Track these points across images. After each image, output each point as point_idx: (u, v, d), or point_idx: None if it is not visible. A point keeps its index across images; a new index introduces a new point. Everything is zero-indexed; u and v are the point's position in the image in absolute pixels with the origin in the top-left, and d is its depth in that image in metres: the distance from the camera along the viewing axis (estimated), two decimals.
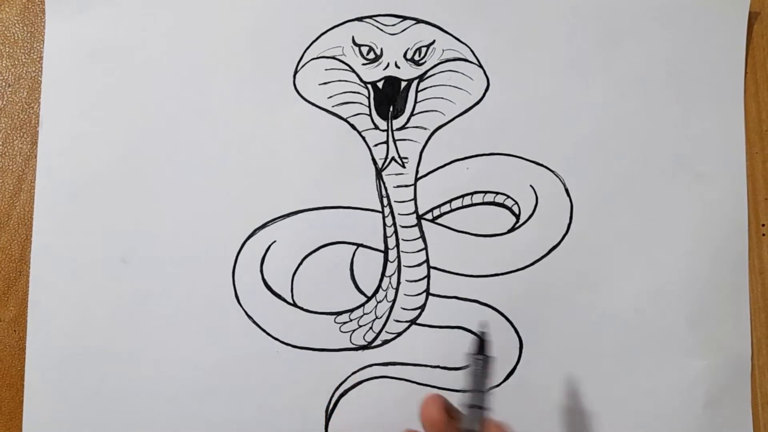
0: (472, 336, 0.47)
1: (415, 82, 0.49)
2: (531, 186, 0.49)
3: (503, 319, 0.48)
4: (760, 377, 0.48)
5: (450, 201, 0.49)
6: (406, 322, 0.49)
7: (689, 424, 0.47)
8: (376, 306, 0.49)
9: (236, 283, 0.49)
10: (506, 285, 0.49)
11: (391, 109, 0.49)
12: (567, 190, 0.49)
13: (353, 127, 0.50)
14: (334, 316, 0.49)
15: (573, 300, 0.48)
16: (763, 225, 0.49)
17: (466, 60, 0.50)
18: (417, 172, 0.49)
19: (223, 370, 0.49)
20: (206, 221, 0.50)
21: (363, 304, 0.49)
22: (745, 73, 0.50)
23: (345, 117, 0.50)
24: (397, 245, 0.49)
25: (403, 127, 0.49)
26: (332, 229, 0.49)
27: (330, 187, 0.49)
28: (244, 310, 0.49)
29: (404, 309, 0.49)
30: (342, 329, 0.49)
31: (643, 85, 0.49)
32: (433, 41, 0.50)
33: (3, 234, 0.51)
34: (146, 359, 0.49)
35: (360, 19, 0.50)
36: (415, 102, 0.49)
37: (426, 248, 0.49)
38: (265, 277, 0.49)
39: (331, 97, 0.50)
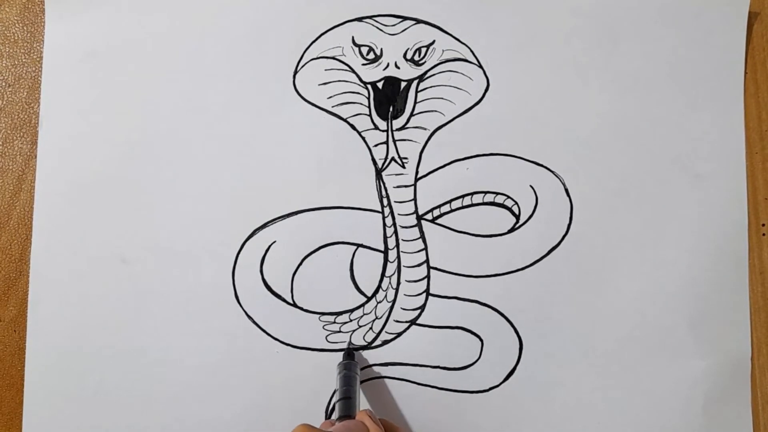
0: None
1: (415, 82, 0.49)
2: (531, 186, 0.49)
3: (503, 319, 0.48)
4: (760, 377, 0.48)
5: (450, 201, 0.49)
6: (406, 322, 0.49)
7: (689, 424, 0.47)
8: (376, 306, 0.49)
9: (236, 284, 0.49)
10: (506, 285, 0.49)
11: (390, 109, 0.49)
12: (567, 191, 0.49)
13: (353, 127, 0.50)
14: (334, 317, 0.49)
15: (573, 300, 0.48)
16: (763, 225, 0.49)
17: (465, 60, 0.50)
18: (417, 172, 0.49)
19: (222, 370, 0.49)
20: (206, 221, 0.50)
21: (363, 305, 0.49)
22: (745, 73, 0.50)
23: (345, 117, 0.50)
24: (397, 245, 0.49)
25: (402, 128, 0.49)
26: (332, 230, 0.49)
27: (330, 188, 0.49)
28: (244, 310, 0.49)
29: (404, 309, 0.49)
30: (342, 329, 0.49)
31: (643, 85, 0.49)
32: (433, 41, 0.50)
33: (3, 234, 0.51)
34: (146, 359, 0.49)
35: (360, 19, 0.50)
36: (415, 102, 0.49)
37: (426, 248, 0.49)
38: (265, 277, 0.49)
39: (330, 97, 0.50)
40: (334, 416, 0.44)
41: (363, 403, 0.49)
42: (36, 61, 0.52)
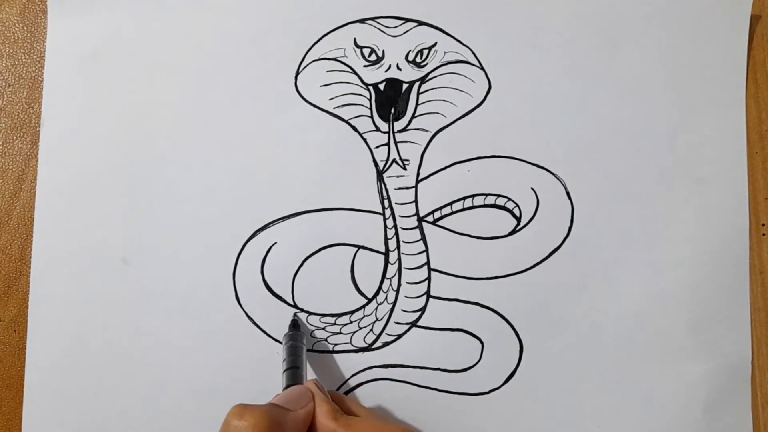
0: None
1: (417, 84, 0.49)
2: (532, 188, 0.49)
3: (504, 321, 0.48)
4: (760, 377, 0.48)
5: (451, 203, 0.49)
6: (407, 324, 0.49)
7: (689, 428, 0.48)
8: (376, 308, 0.49)
9: (237, 284, 0.49)
10: (507, 288, 0.49)
11: (392, 111, 0.49)
12: (568, 193, 0.49)
13: (354, 128, 0.49)
14: (335, 318, 0.49)
15: (573, 303, 0.48)
16: (764, 225, 0.49)
17: (467, 62, 0.50)
18: (418, 174, 0.49)
19: (223, 371, 0.49)
20: (207, 222, 0.50)
21: (363, 306, 0.49)
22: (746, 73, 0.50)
23: (346, 119, 0.49)
24: (398, 247, 0.49)
25: (404, 129, 0.49)
26: (333, 231, 0.49)
27: (331, 189, 0.49)
28: (245, 311, 0.49)
29: (405, 311, 0.49)
30: (342, 331, 0.49)
31: (645, 88, 0.49)
32: (435, 43, 0.50)
33: (3, 234, 0.51)
34: (146, 360, 0.49)
35: (362, 20, 0.50)
36: (417, 104, 0.49)
37: (427, 250, 0.49)
38: (266, 278, 0.49)
39: (332, 98, 0.50)
40: (284, 385, 0.44)
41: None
42: (36, 61, 0.52)
